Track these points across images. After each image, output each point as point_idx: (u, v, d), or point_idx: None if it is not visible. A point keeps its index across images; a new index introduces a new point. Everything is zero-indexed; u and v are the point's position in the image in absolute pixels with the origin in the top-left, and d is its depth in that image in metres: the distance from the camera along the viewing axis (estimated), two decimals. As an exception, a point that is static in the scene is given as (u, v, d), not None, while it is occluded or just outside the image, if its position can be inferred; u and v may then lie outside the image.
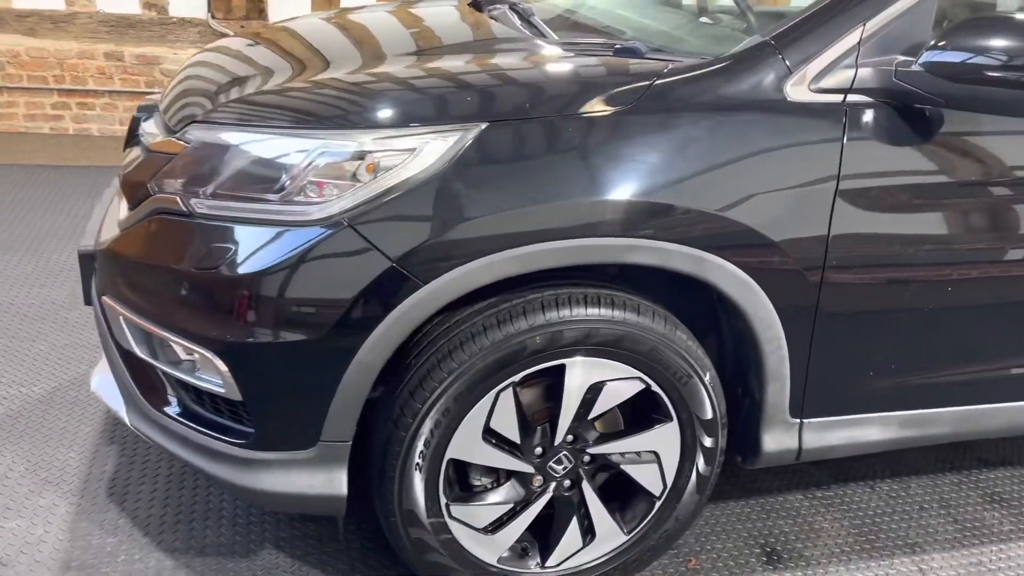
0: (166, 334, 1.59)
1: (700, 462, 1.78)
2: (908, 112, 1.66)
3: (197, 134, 1.62)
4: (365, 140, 1.48)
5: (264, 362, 1.51)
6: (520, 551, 1.81)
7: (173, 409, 1.69)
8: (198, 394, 1.67)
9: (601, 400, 1.66)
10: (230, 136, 1.57)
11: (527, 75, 1.72)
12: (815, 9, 1.67)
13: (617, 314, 1.59)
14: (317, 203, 1.46)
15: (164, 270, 1.58)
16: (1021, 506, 2.25)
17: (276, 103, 1.62)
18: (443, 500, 1.66)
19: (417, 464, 1.59)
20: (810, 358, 1.75)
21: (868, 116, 1.64)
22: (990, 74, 1.53)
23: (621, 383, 1.66)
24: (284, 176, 1.49)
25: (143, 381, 1.72)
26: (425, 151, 1.47)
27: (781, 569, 1.97)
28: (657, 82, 1.59)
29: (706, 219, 1.55)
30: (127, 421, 1.75)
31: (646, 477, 1.77)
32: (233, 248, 1.49)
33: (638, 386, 1.67)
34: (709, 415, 1.73)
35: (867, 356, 1.82)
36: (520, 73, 1.73)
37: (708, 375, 1.70)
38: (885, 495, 2.25)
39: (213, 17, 5.76)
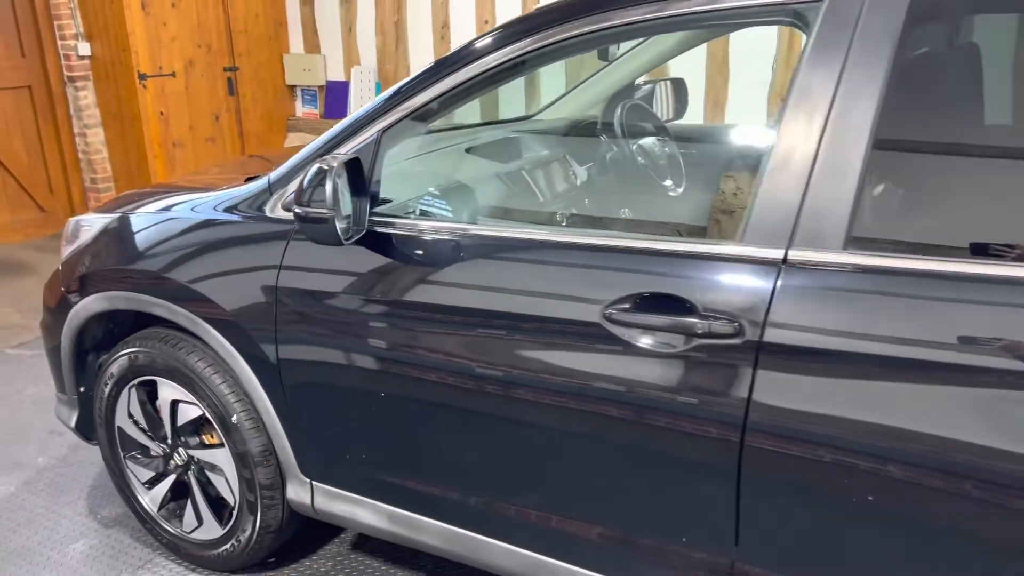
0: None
1: (245, 488, 2.28)
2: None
3: None
4: (90, 217, 2.56)
5: (44, 330, 2.69)
6: (175, 511, 2.56)
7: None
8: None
9: (180, 413, 2.36)
10: None
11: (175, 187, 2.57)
12: (298, 155, 2.13)
13: (169, 350, 2.29)
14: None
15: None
16: None
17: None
18: (121, 454, 2.56)
19: (99, 423, 2.55)
20: (288, 423, 2.12)
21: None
22: None
23: (188, 405, 2.33)
24: None
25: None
26: (95, 227, 2.47)
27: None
28: (223, 190, 2.27)
29: (190, 293, 2.16)
30: None
31: (223, 487, 2.36)
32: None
33: (198, 411, 2.31)
34: (242, 449, 2.24)
35: (335, 436, 2.06)
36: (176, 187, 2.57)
37: (235, 416, 2.22)
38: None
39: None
